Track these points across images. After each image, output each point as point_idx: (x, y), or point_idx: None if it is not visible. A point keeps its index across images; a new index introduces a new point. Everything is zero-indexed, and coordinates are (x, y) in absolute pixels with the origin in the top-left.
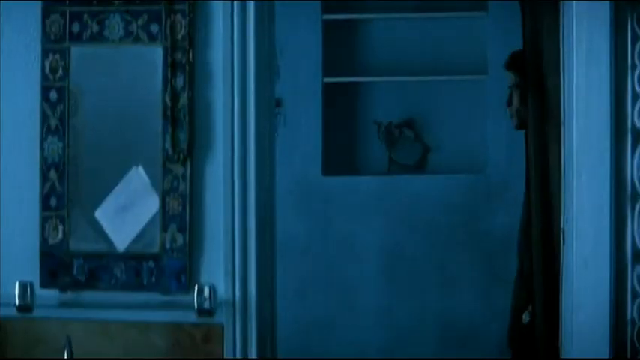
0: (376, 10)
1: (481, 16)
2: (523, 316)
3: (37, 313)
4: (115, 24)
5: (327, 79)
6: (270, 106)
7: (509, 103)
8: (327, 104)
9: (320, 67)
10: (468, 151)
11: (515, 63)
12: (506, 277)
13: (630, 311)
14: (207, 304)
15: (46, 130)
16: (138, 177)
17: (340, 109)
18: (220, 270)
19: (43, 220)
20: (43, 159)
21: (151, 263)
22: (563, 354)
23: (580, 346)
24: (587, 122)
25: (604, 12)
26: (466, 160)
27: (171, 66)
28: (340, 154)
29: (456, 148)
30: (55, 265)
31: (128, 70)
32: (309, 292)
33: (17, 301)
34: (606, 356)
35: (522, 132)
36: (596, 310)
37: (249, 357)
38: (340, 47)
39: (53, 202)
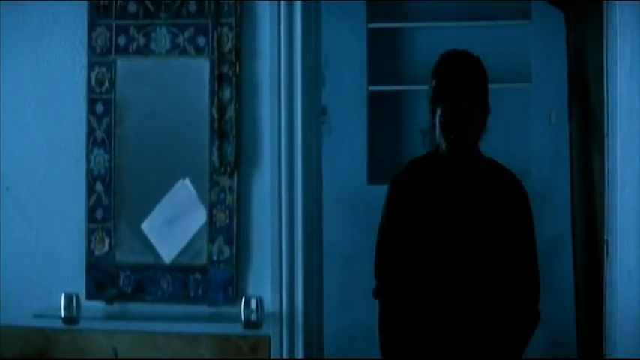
0: (420, 19)
1: (525, 25)
2: None
3: (82, 324)
4: (162, 37)
5: (372, 88)
6: (317, 117)
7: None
8: (372, 112)
9: (365, 76)
10: (512, 159)
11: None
12: (551, 285)
13: None
14: (254, 317)
15: (92, 143)
16: (185, 189)
17: (385, 117)
18: (267, 282)
19: (89, 232)
20: (89, 171)
21: (198, 275)
22: None
23: (624, 356)
24: (631, 134)
25: None
26: (510, 168)
27: (218, 78)
28: (385, 163)
29: (500, 156)
30: (101, 277)
31: (174, 82)
32: (354, 300)
33: (63, 313)
34: None
35: (567, 140)
36: None
37: None
38: (385, 55)
39: (99, 214)
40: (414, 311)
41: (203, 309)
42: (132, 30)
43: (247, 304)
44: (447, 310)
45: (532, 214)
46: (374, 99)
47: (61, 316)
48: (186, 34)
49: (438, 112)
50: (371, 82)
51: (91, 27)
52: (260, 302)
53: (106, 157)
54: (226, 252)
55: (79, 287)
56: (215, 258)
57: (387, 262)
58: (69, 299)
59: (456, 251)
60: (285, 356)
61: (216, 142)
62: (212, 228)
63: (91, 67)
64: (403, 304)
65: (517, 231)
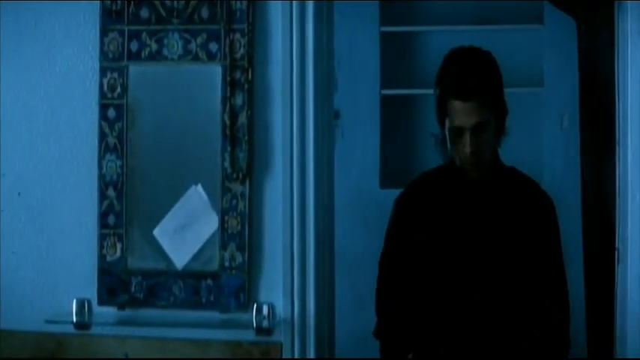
0: (434, 22)
1: (537, 29)
2: None
3: (94, 330)
4: (174, 42)
5: (385, 92)
6: (329, 123)
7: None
8: (384, 116)
9: (378, 79)
10: (523, 163)
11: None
12: None
13: None
14: (265, 323)
15: (104, 148)
16: (197, 195)
17: (398, 121)
18: (279, 288)
19: (101, 238)
20: (101, 177)
21: (210, 281)
22: None
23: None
24: None
25: None
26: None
27: (230, 85)
28: (398, 167)
29: (512, 160)
30: (113, 283)
31: (186, 88)
32: (367, 304)
33: (74, 319)
34: None
35: (578, 145)
36: None
37: None
38: (398, 59)
39: (111, 219)
40: (422, 350)
41: (215, 315)
42: (144, 36)
43: (259, 310)
44: (464, 343)
45: (559, 229)
46: (387, 103)
47: (72, 322)
48: (199, 40)
49: (447, 124)
50: (384, 85)
51: (103, 32)
52: (272, 308)
53: (118, 162)
54: (238, 258)
55: (91, 293)
56: (227, 264)
57: (390, 297)
58: (81, 305)
59: (475, 280)
60: None
61: (229, 148)
62: (224, 234)
63: (103, 72)
64: (408, 345)
65: (545, 250)
